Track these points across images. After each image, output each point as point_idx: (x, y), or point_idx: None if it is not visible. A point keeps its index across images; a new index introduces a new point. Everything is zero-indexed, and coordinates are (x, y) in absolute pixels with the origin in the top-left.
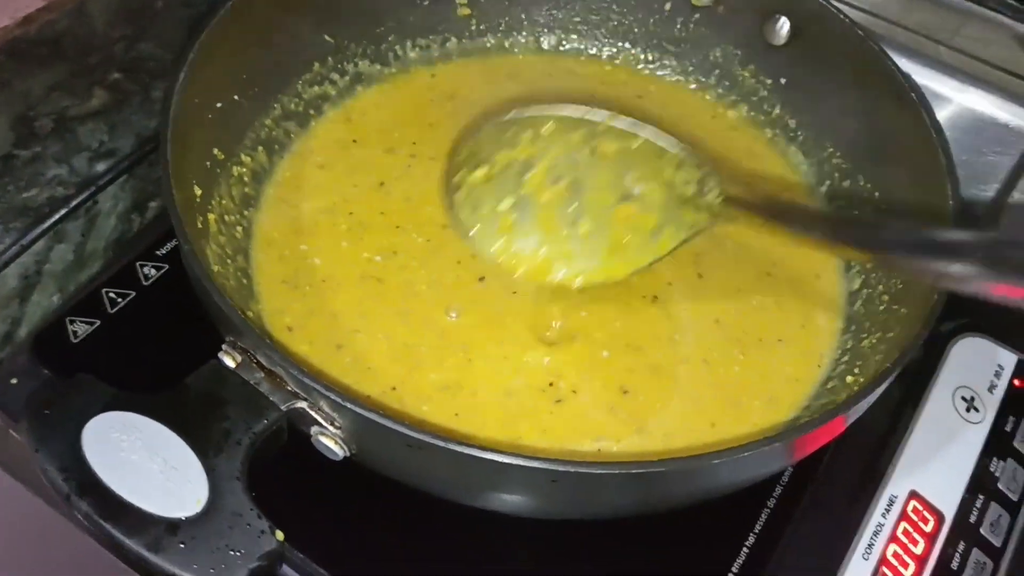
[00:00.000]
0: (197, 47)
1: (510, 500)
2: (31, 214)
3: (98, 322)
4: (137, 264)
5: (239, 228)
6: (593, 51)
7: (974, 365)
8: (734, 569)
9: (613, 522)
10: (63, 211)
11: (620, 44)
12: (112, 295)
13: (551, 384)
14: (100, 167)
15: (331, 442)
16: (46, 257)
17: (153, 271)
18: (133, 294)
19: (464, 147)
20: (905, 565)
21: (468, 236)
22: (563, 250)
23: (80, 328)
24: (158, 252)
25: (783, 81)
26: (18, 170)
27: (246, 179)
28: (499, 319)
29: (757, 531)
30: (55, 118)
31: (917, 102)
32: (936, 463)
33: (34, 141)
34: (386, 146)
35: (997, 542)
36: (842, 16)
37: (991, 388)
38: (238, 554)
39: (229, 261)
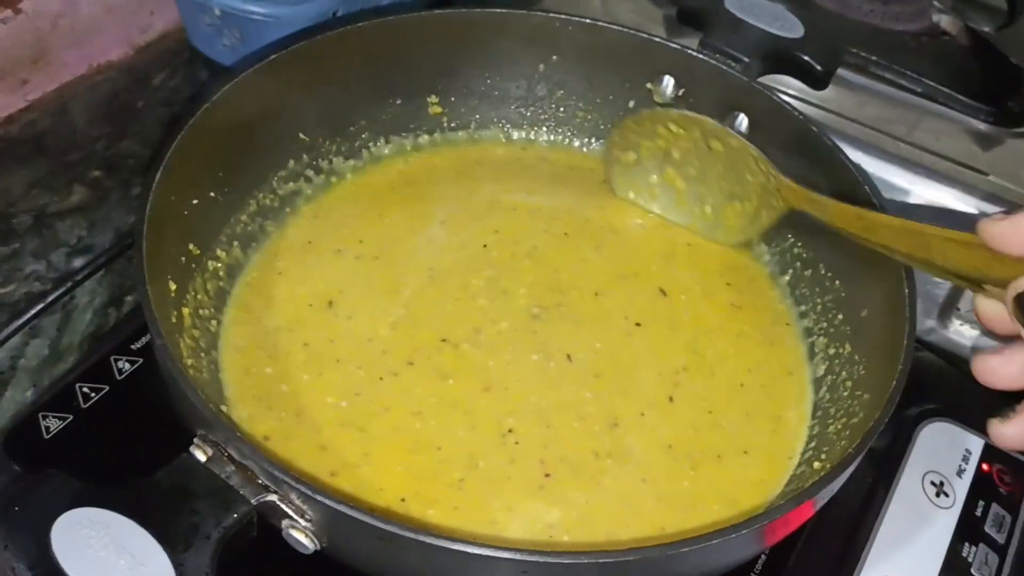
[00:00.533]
0: (174, 146)
1: None
2: (7, 310)
3: (71, 417)
4: (111, 358)
5: (213, 323)
6: (564, 142)
7: (942, 450)
8: None
9: None
10: (39, 306)
11: (588, 138)
12: (86, 390)
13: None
14: (78, 262)
15: (302, 535)
16: (21, 352)
17: (127, 365)
18: (107, 388)
19: (615, 134)
20: None
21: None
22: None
23: (52, 423)
24: (132, 346)
25: None
26: None
27: (221, 274)
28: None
29: None
30: (34, 215)
31: (868, 192)
32: (909, 549)
33: (12, 237)
34: (335, 247)
35: None
36: (796, 113)
37: (960, 472)
38: None
39: (203, 355)
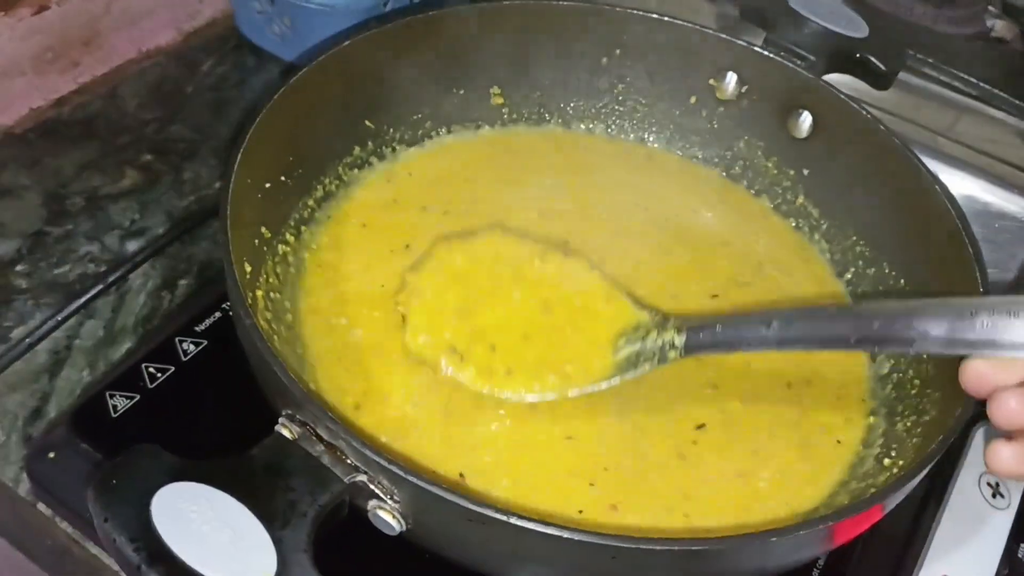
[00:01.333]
0: (253, 129)
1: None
2: (62, 290)
3: (137, 396)
4: (176, 339)
5: (286, 303)
6: (621, 137)
7: None
8: None
9: None
10: (96, 288)
11: (647, 133)
12: (152, 370)
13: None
14: (131, 245)
15: (389, 516)
16: (76, 333)
17: (192, 346)
18: (172, 369)
19: None
20: None
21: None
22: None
23: (120, 402)
24: (196, 328)
25: (806, 172)
26: (50, 247)
27: (290, 258)
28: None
29: None
30: (86, 196)
31: (941, 193)
32: (966, 549)
33: (66, 218)
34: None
35: None
36: (864, 111)
37: None
38: None
39: (275, 336)
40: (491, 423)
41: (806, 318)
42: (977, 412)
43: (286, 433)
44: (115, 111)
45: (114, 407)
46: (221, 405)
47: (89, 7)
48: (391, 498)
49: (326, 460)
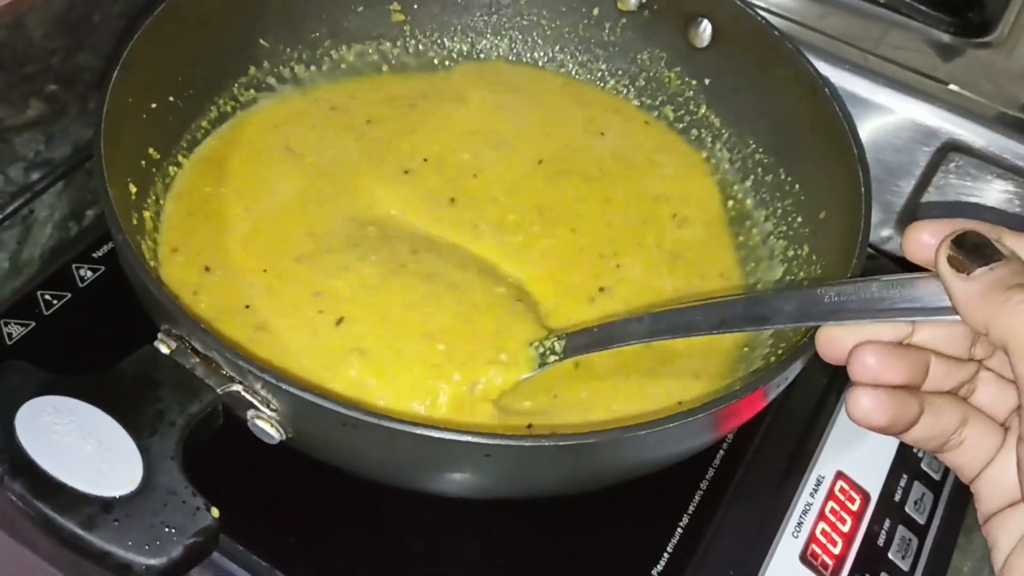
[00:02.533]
0: (131, 46)
1: (447, 479)
2: None
3: (33, 324)
4: (73, 266)
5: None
6: (525, 55)
7: None
8: (668, 548)
9: (550, 503)
10: None
11: (551, 49)
12: (48, 297)
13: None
14: (36, 176)
15: (267, 425)
16: None
17: (90, 273)
18: (69, 296)
19: None
20: (833, 542)
21: None
22: None
23: (15, 330)
24: (94, 255)
25: (707, 81)
26: None
27: (179, 181)
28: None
29: (691, 511)
30: None
31: (829, 95)
32: (861, 445)
33: None
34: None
35: (921, 519)
36: (759, 18)
37: None
38: (173, 530)
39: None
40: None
41: (673, 314)
42: None
43: (163, 348)
44: (21, 41)
45: (9, 335)
46: (117, 331)
47: None
48: (268, 407)
49: (199, 372)
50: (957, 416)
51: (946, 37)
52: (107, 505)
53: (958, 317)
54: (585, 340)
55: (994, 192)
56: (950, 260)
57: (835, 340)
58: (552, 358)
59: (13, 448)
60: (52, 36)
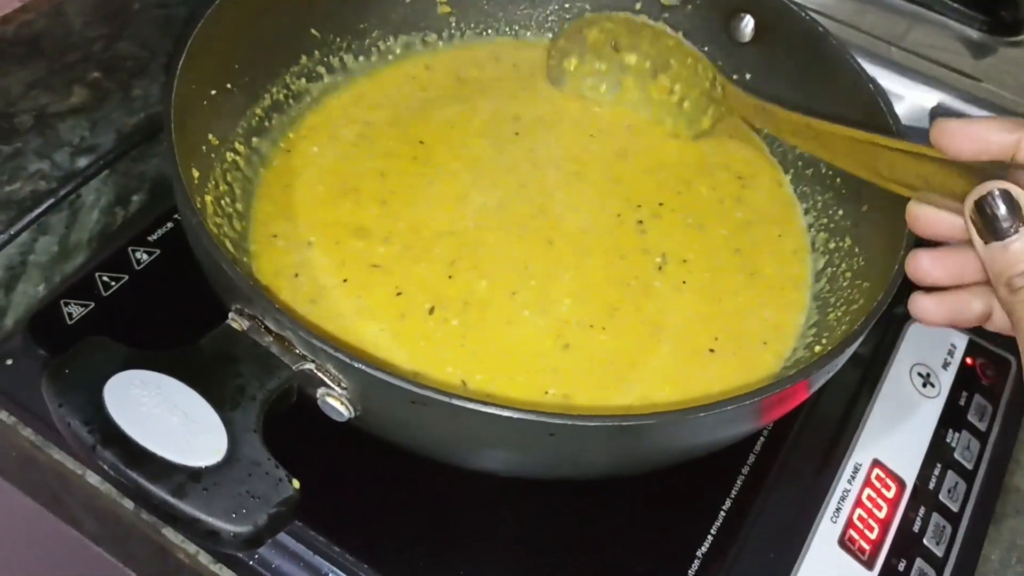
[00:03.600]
0: (194, 35)
1: (508, 458)
2: (14, 207)
3: (92, 304)
4: (129, 249)
5: (235, 211)
6: None
7: (929, 344)
8: (712, 531)
9: (599, 485)
10: (46, 204)
11: None
12: (105, 279)
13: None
14: (82, 162)
15: (337, 402)
16: (31, 248)
17: (145, 256)
18: (126, 278)
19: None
20: (871, 528)
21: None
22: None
23: (75, 310)
24: (150, 238)
25: (748, 77)
26: (0, 165)
27: (240, 165)
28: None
29: (733, 496)
30: (35, 114)
31: (875, 92)
32: (896, 434)
33: (15, 136)
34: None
35: (955, 507)
36: (803, 14)
37: (945, 365)
38: (258, 500)
39: (226, 240)
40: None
41: None
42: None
43: (236, 326)
44: (61, 28)
45: (69, 315)
46: (175, 311)
47: None
48: (339, 385)
49: (275, 349)
50: None
51: (977, 35)
52: (195, 474)
53: None
54: None
55: None
56: (973, 222)
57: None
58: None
59: (104, 420)
60: (92, 24)
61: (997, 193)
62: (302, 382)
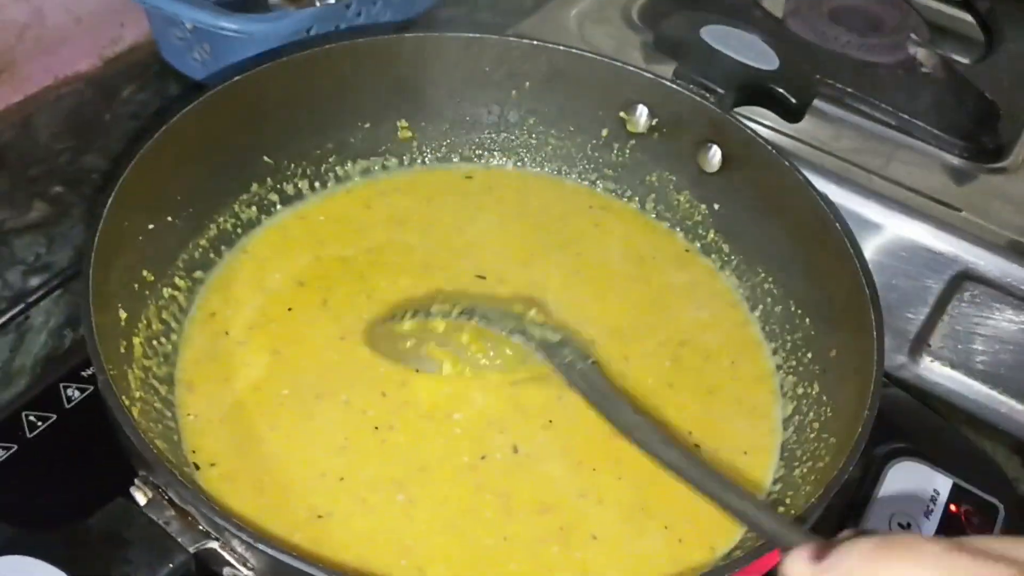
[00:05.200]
0: (129, 169)
1: None
2: None
3: (15, 447)
4: (61, 386)
5: (167, 353)
6: (535, 171)
7: (910, 489)
8: None
9: None
10: None
11: (559, 167)
12: (32, 418)
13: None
14: (34, 281)
15: None
16: None
17: (77, 393)
18: (54, 417)
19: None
20: None
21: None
22: None
23: None
24: (83, 373)
25: (716, 207)
26: None
27: (179, 300)
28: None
29: None
30: None
31: (840, 229)
32: None
33: None
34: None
35: None
36: (769, 147)
37: (927, 513)
38: None
39: (156, 384)
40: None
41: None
42: (891, 450)
43: (139, 496)
44: (27, 141)
45: None
46: (99, 459)
47: (2, 36)
48: (245, 566)
49: (173, 528)
50: None
51: (958, 161)
52: None
53: None
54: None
55: (1011, 324)
56: None
57: None
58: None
59: None
60: (60, 136)
61: None
62: (206, 559)
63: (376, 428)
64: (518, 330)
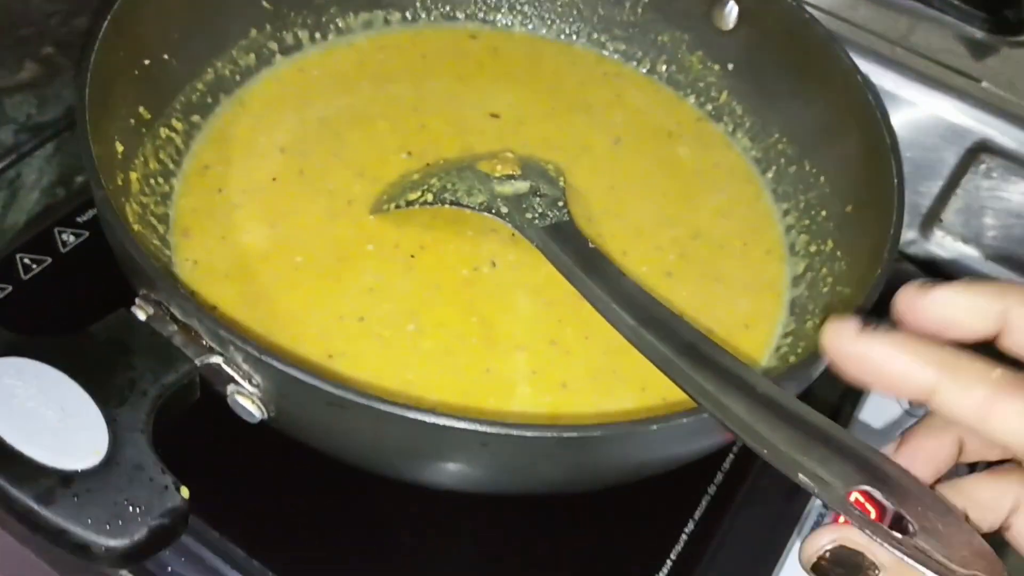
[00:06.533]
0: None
1: (440, 470)
2: None
3: (9, 288)
4: (55, 230)
5: (164, 193)
6: (543, 32)
7: None
8: (672, 555)
9: (549, 501)
10: None
11: (569, 26)
12: (27, 261)
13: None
14: (25, 139)
15: (248, 402)
16: None
17: (72, 238)
18: (49, 260)
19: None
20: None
21: None
22: None
23: None
24: (79, 219)
25: (730, 67)
26: None
27: (177, 143)
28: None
29: (697, 517)
30: None
31: (862, 83)
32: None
33: None
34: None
35: None
36: (789, 0)
37: None
38: (138, 509)
39: (155, 222)
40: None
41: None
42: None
43: (140, 314)
44: (18, 3)
45: None
46: (96, 298)
47: None
48: (249, 382)
49: (177, 340)
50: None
51: (980, 34)
52: (66, 479)
53: None
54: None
55: None
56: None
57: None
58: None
59: None
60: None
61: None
62: (210, 377)
63: (412, 256)
64: (488, 203)
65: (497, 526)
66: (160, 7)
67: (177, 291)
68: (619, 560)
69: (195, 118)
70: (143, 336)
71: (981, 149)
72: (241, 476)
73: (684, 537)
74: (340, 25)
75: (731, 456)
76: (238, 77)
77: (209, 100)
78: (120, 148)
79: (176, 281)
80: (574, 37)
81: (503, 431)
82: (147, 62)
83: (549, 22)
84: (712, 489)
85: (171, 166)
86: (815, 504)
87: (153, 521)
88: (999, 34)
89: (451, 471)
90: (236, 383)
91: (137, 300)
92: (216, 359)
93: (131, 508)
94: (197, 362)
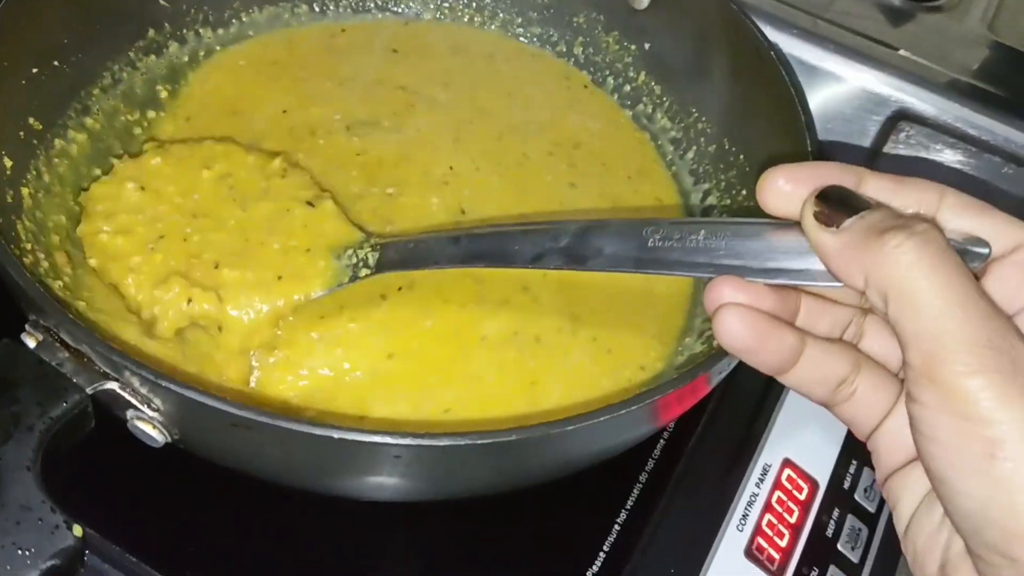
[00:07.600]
0: (2, 7)
1: (358, 483)
2: None
3: None
4: None
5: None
6: (453, 21)
7: None
8: (605, 547)
9: (477, 501)
10: None
11: (482, 14)
12: None
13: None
14: None
15: (149, 427)
16: None
17: None
18: None
19: None
20: (780, 535)
21: None
22: None
23: None
24: None
25: (647, 46)
26: None
27: (73, 153)
28: None
29: (629, 507)
30: None
31: (775, 59)
32: (809, 431)
33: None
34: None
35: (871, 507)
36: None
37: None
38: (27, 552)
39: (55, 238)
40: None
41: (492, 239)
42: None
43: (29, 341)
44: None
45: None
46: None
47: None
48: (149, 406)
49: (67, 368)
50: (845, 362)
51: (897, 1)
52: None
53: (785, 280)
54: (397, 256)
55: (945, 161)
56: (816, 216)
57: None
58: (364, 271)
59: None
60: None
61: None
62: (108, 403)
63: None
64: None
65: (427, 529)
66: (45, 13)
67: (67, 317)
68: (551, 556)
69: (88, 122)
70: (29, 367)
71: (901, 117)
72: (157, 499)
73: (617, 528)
74: (244, 20)
75: (662, 441)
76: (138, 79)
77: (105, 106)
78: (8, 163)
79: (65, 305)
80: (488, 23)
81: (415, 442)
82: (35, 70)
83: (460, 7)
84: (643, 478)
85: (70, 177)
86: (747, 489)
87: (44, 564)
88: (915, 0)
89: (369, 483)
90: (135, 408)
91: (27, 327)
92: (111, 385)
93: (20, 552)
94: (89, 390)
